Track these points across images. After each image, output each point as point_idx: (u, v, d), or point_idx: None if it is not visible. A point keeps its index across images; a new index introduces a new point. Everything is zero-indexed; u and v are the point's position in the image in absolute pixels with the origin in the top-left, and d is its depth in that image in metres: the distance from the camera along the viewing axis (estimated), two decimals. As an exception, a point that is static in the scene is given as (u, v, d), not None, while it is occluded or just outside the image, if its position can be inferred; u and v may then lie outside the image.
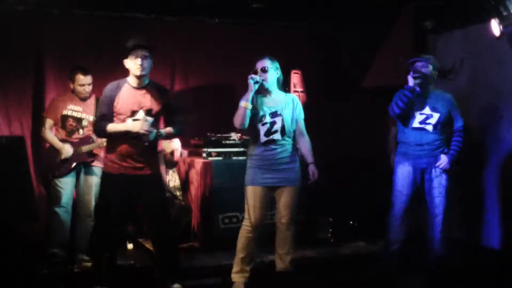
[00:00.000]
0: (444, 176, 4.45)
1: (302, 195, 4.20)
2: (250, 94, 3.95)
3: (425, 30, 5.83)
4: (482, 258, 5.01)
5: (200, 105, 5.92)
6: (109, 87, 4.02)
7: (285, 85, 5.53)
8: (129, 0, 5.33)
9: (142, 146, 3.95)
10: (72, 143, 4.78)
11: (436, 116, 4.44)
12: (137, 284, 4.35)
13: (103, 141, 4.61)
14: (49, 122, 4.84)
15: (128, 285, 4.31)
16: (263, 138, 4.04)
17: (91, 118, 4.81)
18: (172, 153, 5.42)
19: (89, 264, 4.58)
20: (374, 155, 5.74)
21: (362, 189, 5.73)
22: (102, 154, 4.83)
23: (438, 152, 4.46)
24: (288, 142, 4.10)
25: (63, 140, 4.79)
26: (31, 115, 5.40)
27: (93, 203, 4.79)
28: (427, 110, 4.45)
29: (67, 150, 4.74)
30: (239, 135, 5.32)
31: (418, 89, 4.38)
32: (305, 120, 4.24)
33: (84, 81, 4.78)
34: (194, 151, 5.47)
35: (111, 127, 3.95)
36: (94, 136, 4.78)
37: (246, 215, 4.06)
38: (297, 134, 4.17)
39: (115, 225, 4.03)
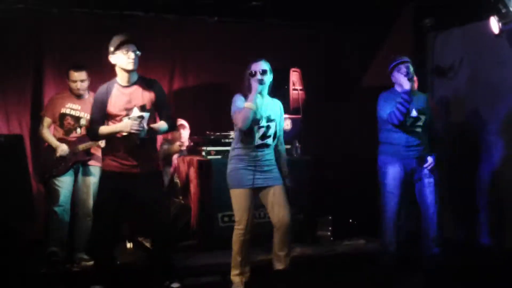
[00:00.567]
0: (433, 175, 4.47)
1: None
2: (254, 95, 3.93)
3: (424, 28, 5.82)
4: (478, 257, 4.99)
5: (199, 103, 5.93)
6: (100, 91, 4.03)
7: (284, 84, 5.57)
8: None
9: (136, 145, 3.95)
10: (69, 142, 4.76)
11: (423, 117, 4.47)
12: (136, 283, 4.33)
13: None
14: (47, 120, 4.82)
15: (128, 284, 4.30)
16: (258, 141, 4.01)
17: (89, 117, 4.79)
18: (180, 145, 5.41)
19: (88, 263, 4.58)
20: (374, 155, 5.72)
21: (362, 188, 5.71)
22: (99, 153, 4.82)
23: (425, 152, 4.47)
24: (273, 145, 4.12)
25: (60, 139, 4.76)
26: (30, 114, 5.40)
27: (91, 202, 4.76)
28: (414, 112, 4.44)
29: (62, 148, 4.72)
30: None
31: (409, 90, 4.33)
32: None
33: (76, 77, 4.73)
34: (194, 150, 5.46)
35: (103, 129, 3.99)
36: (91, 136, 4.77)
37: (237, 218, 4.03)
38: (278, 143, 4.17)
39: (112, 223, 4.02)
